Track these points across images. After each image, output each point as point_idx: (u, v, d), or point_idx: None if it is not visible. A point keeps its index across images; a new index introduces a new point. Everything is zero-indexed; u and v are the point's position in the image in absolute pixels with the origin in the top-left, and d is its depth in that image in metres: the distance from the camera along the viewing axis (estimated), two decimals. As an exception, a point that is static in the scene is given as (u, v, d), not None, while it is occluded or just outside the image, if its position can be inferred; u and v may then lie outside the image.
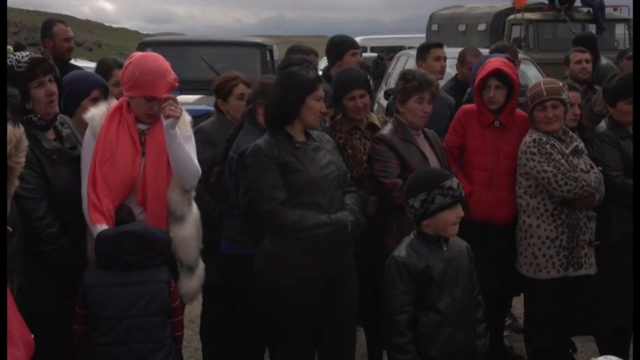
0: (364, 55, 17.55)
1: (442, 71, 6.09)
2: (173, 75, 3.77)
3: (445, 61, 6.17)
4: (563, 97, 4.63)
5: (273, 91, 3.93)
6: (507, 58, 5.11)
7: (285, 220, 3.71)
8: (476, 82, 4.82)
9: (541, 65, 11.26)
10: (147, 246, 3.52)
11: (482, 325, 3.79)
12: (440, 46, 6.36)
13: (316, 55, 6.27)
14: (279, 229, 3.78)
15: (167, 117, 3.68)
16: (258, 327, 4.05)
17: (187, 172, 3.77)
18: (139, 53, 3.90)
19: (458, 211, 3.58)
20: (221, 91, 4.71)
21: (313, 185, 3.77)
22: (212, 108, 5.04)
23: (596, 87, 6.65)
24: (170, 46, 10.19)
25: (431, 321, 3.55)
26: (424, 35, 19.83)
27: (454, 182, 3.58)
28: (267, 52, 10.43)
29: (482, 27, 17.66)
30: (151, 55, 3.90)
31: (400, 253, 3.59)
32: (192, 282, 3.82)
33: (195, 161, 3.81)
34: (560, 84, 4.75)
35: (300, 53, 5.89)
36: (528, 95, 4.65)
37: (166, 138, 3.70)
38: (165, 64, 3.77)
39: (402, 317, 3.53)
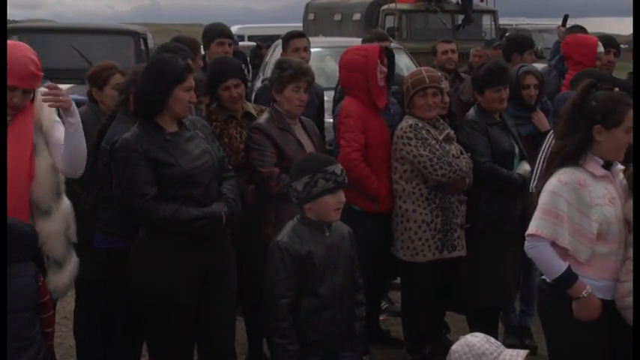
0: (242, 43, 17.52)
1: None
2: (37, 64, 3.63)
3: (306, 51, 5.90)
4: (442, 86, 4.79)
5: (141, 79, 3.83)
6: (384, 47, 5.18)
7: (157, 216, 3.66)
8: (371, 67, 4.76)
9: (413, 54, 11.53)
10: (9, 239, 3.36)
11: (361, 307, 3.88)
12: (300, 36, 6.09)
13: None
14: (151, 225, 3.74)
15: (52, 107, 3.60)
16: (135, 321, 3.98)
17: (81, 159, 3.72)
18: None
19: (340, 197, 3.63)
20: (97, 80, 4.58)
21: (186, 178, 3.73)
22: (84, 97, 4.88)
23: (462, 75, 6.92)
24: (39, 34, 9.80)
25: (312, 305, 3.60)
26: (302, 24, 19.93)
27: (337, 168, 3.63)
28: (142, 41, 10.21)
29: (357, 17, 17.94)
30: (14, 43, 3.75)
31: (283, 238, 3.62)
32: (62, 277, 3.70)
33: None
34: (439, 73, 4.90)
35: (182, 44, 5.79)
36: (409, 81, 4.75)
37: (66, 129, 3.63)
38: (29, 53, 3.63)
39: (283, 302, 3.57)
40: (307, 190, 3.58)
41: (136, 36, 10.16)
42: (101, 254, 4.12)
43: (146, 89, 3.77)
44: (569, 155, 3.48)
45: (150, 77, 3.79)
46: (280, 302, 3.57)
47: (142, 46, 10.13)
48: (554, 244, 3.44)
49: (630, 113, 3.43)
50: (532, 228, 3.46)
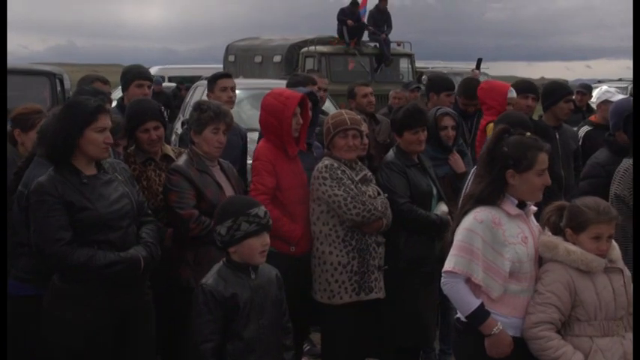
0: (164, 84, 17.39)
1: (230, 101, 5.87)
2: None
3: (233, 91, 6.01)
4: (363, 128, 4.85)
5: (51, 122, 3.77)
6: (311, 92, 5.20)
7: (72, 262, 3.59)
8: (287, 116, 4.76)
9: (333, 96, 11.66)
10: None
11: (290, 352, 3.86)
12: (227, 76, 6.21)
13: (104, 82, 6.12)
14: (66, 271, 3.65)
15: None
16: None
17: None
18: None
19: (264, 239, 3.62)
20: (24, 122, 4.48)
21: (103, 223, 3.67)
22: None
23: (378, 117, 7.04)
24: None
25: (237, 349, 3.55)
26: (222, 66, 19.95)
27: (261, 210, 3.62)
28: (57, 82, 10.01)
29: (277, 59, 18.07)
30: None
31: (207, 281, 3.58)
32: None
33: None
34: (359, 117, 4.96)
35: (89, 82, 5.74)
36: (330, 122, 4.78)
37: None
38: None
39: (207, 346, 3.51)
40: (231, 233, 3.56)
41: (51, 77, 9.96)
42: (16, 302, 3.97)
43: (54, 132, 3.71)
44: (482, 197, 3.60)
45: (60, 120, 3.74)
46: (204, 346, 3.51)
47: (58, 87, 9.93)
48: (468, 281, 3.53)
49: (541, 156, 3.58)
50: (449, 265, 3.57)
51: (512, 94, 6.16)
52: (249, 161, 5.95)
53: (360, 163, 4.89)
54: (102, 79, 6.19)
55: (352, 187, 4.67)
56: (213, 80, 6.07)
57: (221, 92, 5.89)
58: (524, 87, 6.30)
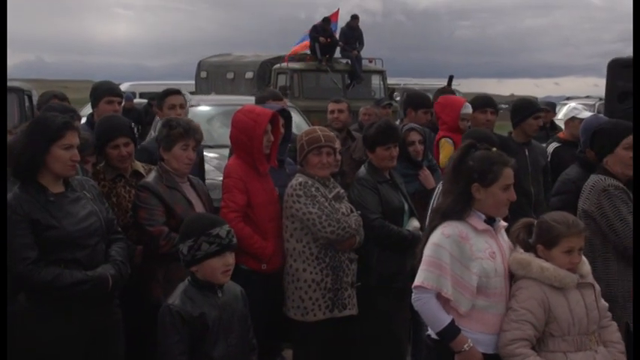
0: (135, 100, 17.29)
1: None
2: None
3: (182, 108, 5.80)
4: (337, 146, 4.85)
5: (17, 138, 3.74)
6: (281, 109, 5.18)
7: (39, 281, 3.55)
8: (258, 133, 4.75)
9: (305, 113, 11.68)
10: None
11: None
12: (175, 93, 5.88)
13: (61, 99, 6.06)
14: (32, 290, 3.60)
15: None
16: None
17: None
18: None
19: (226, 259, 3.57)
20: None
21: (70, 241, 3.64)
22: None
23: (354, 134, 7.03)
24: None
25: None
26: (194, 82, 19.90)
27: (223, 230, 3.57)
28: (26, 98, 9.91)
29: (249, 75, 18.06)
30: None
31: (174, 302, 3.53)
32: None
33: None
34: (333, 134, 4.96)
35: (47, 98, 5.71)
36: (304, 139, 4.77)
37: None
38: None
39: None
40: (192, 253, 3.53)
41: (20, 93, 9.86)
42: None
43: (21, 149, 3.68)
44: (448, 211, 3.62)
45: (25, 136, 3.71)
46: None
47: (27, 103, 9.83)
48: (438, 297, 3.53)
49: (507, 171, 3.60)
50: (418, 280, 3.57)
51: (467, 109, 6.19)
52: (220, 178, 5.93)
53: (332, 180, 4.89)
54: (59, 96, 6.14)
55: (326, 204, 4.66)
56: (162, 97, 5.85)
57: (169, 110, 5.68)
58: (482, 102, 6.35)
